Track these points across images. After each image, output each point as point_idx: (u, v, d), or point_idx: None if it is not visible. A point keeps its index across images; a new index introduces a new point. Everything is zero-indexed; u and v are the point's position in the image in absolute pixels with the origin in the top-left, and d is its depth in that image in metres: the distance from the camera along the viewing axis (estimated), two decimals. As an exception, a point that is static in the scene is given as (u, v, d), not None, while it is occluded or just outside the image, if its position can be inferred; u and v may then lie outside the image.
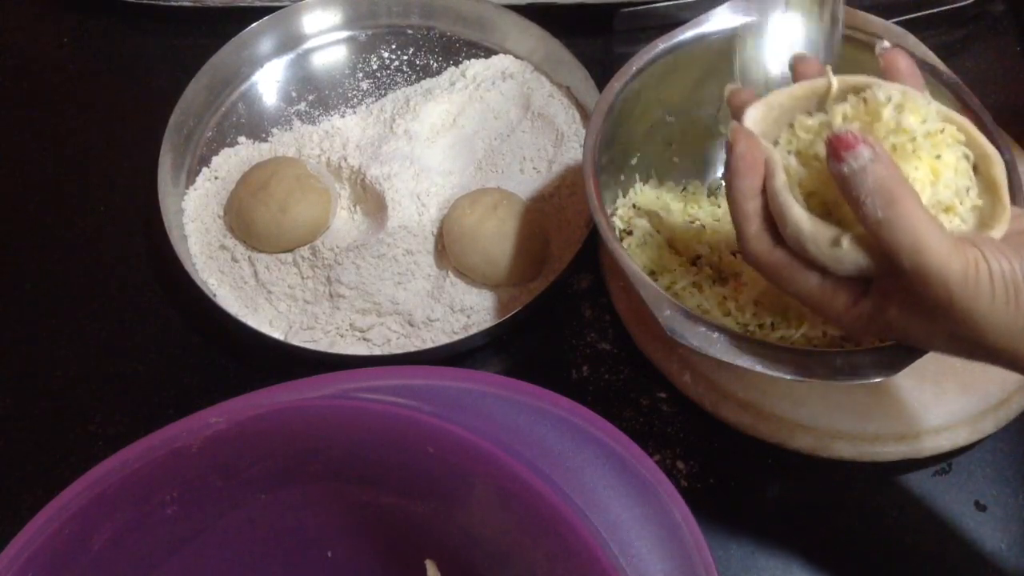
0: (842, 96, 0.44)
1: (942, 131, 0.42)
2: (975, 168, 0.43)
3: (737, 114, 0.46)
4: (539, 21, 0.71)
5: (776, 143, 0.44)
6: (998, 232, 0.41)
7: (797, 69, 0.47)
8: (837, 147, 0.39)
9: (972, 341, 0.40)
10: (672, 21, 0.59)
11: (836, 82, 0.45)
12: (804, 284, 0.42)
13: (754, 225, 0.43)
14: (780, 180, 0.42)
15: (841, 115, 0.43)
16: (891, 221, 0.38)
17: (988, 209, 0.42)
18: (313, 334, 0.61)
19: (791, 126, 0.45)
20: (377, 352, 0.60)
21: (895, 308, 0.41)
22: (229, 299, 0.63)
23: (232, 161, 0.68)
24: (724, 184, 0.45)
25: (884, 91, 0.43)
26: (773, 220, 0.42)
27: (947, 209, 0.42)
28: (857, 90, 0.44)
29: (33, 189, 0.71)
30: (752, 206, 0.43)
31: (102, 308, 0.65)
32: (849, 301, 0.42)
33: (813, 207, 0.42)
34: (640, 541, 0.40)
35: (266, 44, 0.73)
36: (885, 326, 0.42)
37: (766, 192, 0.43)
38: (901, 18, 0.69)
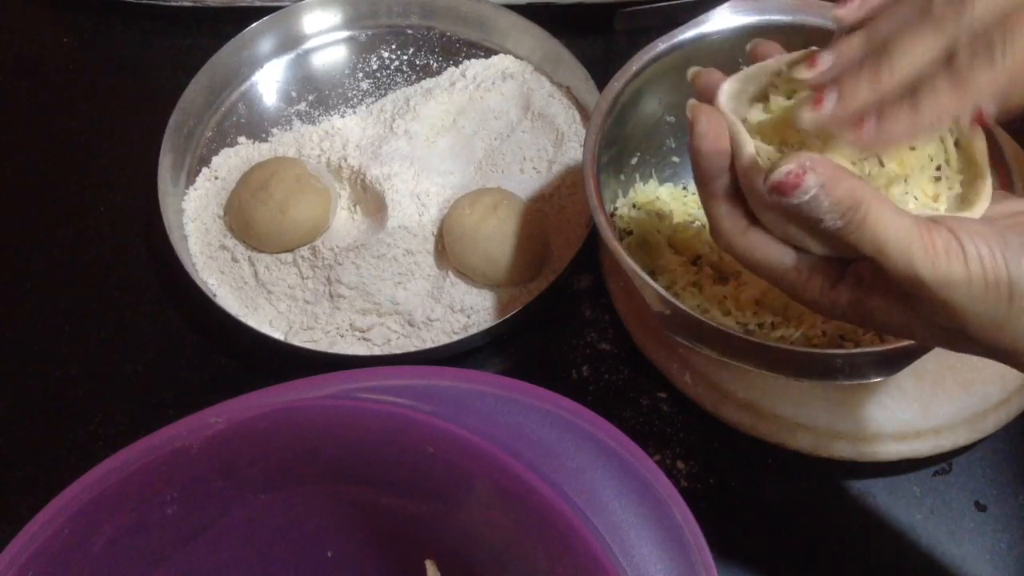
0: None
1: None
2: (956, 143, 0.41)
3: (703, 95, 0.44)
4: (539, 21, 0.71)
5: (745, 120, 0.42)
6: (980, 207, 0.39)
7: (757, 52, 0.44)
8: (783, 191, 0.36)
9: (954, 331, 0.38)
10: (672, 21, 0.59)
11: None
12: (779, 266, 0.40)
13: (723, 205, 0.41)
14: (748, 155, 0.40)
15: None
16: (850, 226, 0.36)
17: (968, 183, 0.40)
18: (313, 334, 0.61)
19: (765, 100, 0.43)
20: (377, 352, 0.60)
21: (874, 296, 0.39)
22: (229, 299, 0.63)
23: (232, 161, 0.68)
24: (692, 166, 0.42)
25: None
26: (744, 199, 0.40)
27: (935, 197, 0.41)
28: None
29: (33, 189, 0.71)
30: (720, 185, 0.40)
31: (102, 308, 0.65)
32: (826, 285, 0.40)
33: None
34: (640, 541, 0.40)
35: (266, 44, 0.73)
36: (864, 314, 0.40)
37: (735, 170, 0.40)
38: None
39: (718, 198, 0.41)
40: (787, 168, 0.36)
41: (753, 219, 0.41)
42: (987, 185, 0.40)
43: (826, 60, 0.38)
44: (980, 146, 0.41)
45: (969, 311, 0.36)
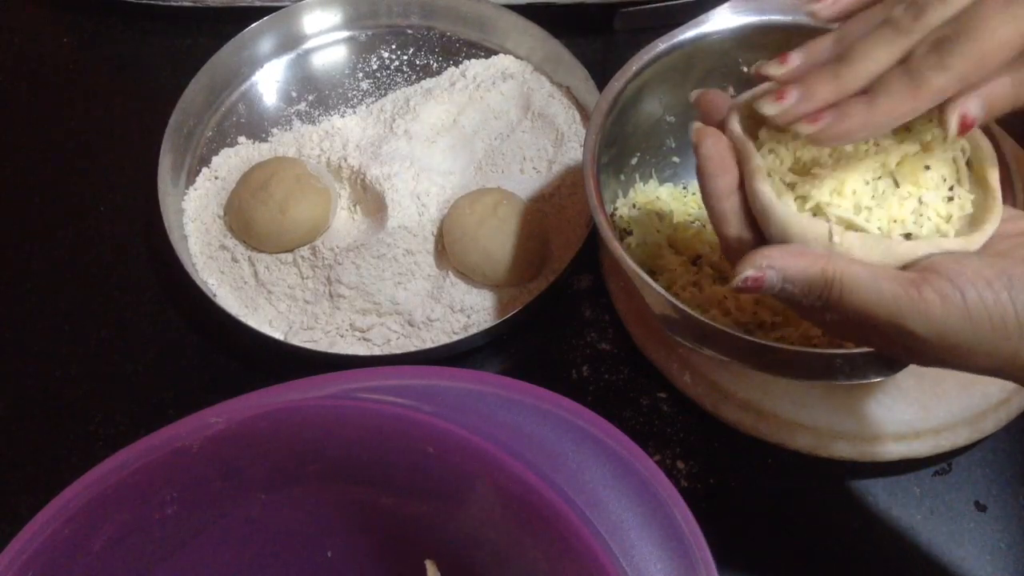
0: None
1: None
2: (968, 163, 0.41)
3: (707, 116, 0.44)
4: (539, 21, 0.71)
5: (756, 139, 0.42)
6: (990, 227, 0.39)
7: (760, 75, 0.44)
8: (748, 292, 0.38)
9: (959, 364, 0.38)
10: (672, 21, 0.59)
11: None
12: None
13: (733, 226, 0.41)
14: (758, 175, 0.40)
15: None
16: (828, 304, 0.37)
17: (979, 203, 0.41)
18: (313, 334, 0.61)
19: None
20: (377, 352, 0.60)
21: (876, 334, 0.39)
22: (229, 299, 0.63)
23: (232, 161, 0.69)
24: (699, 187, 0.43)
25: None
26: (754, 217, 0.40)
27: (947, 218, 0.41)
28: None
29: (33, 189, 0.71)
30: (729, 206, 0.41)
31: (102, 308, 0.65)
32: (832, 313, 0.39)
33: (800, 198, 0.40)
34: (640, 541, 0.40)
35: (266, 44, 0.73)
36: (867, 343, 0.40)
37: (744, 189, 0.40)
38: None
39: (728, 220, 0.41)
40: (744, 275, 0.38)
41: (763, 239, 0.40)
42: (997, 205, 0.40)
43: (795, 59, 0.39)
44: (992, 166, 0.41)
45: (976, 350, 0.36)
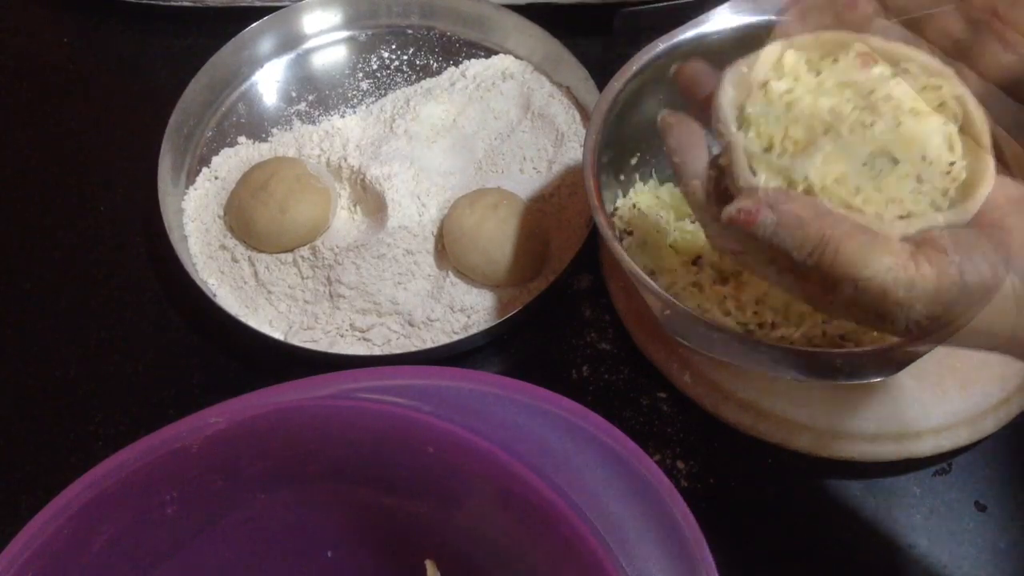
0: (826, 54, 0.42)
1: (939, 88, 0.40)
2: (960, 128, 0.41)
3: (687, 91, 0.43)
4: (539, 21, 0.71)
5: (742, 109, 0.41)
6: (982, 193, 0.39)
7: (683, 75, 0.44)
8: (741, 225, 0.36)
9: (955, 340, 0.37)
10: (672, 21, 0.59)
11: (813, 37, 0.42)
12: (776, 269, 0.39)
13: (712, 211, 0.40)
14: (740, 162, 0.39)
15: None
16: (821, 263, 0.36)
17: (971, 167, 0.40)
18: (313, 334, 0.61)
19: (764, 86, 0.42)
20: (377, 352, 0.60)
21: (872, 310, 0.38)
22: (229, 299, 0.63)
23: (232, 161, 0.69)
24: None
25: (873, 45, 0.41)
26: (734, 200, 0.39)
27: (944, 191, 0.40)
28: (840, 47, 0.42)
29: (33, 189, 0.71)
30: (704, 190, 0.40)
31: (102, 308, 0.65)
32: (823, 289, 0.38)
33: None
34: (640, 541, 0.40)
35: (266, 44, 0.73)
36: (865, 319, 0.39)
37: (726, 174, 0.40)
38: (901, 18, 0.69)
39: (708, 209, 0.40)
40: (739, 206, 0.36)
41: None
42: (990, 170, 0.39)
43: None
44: (983, 128, 0.40)
45: (973, 326, 0.36)
